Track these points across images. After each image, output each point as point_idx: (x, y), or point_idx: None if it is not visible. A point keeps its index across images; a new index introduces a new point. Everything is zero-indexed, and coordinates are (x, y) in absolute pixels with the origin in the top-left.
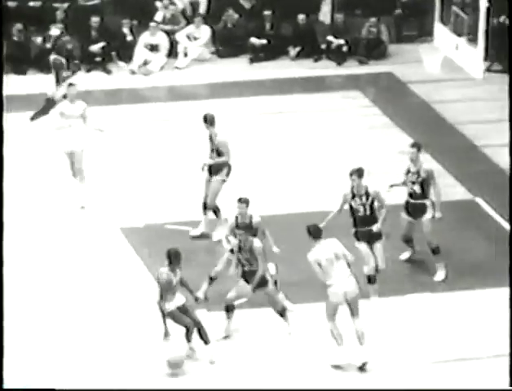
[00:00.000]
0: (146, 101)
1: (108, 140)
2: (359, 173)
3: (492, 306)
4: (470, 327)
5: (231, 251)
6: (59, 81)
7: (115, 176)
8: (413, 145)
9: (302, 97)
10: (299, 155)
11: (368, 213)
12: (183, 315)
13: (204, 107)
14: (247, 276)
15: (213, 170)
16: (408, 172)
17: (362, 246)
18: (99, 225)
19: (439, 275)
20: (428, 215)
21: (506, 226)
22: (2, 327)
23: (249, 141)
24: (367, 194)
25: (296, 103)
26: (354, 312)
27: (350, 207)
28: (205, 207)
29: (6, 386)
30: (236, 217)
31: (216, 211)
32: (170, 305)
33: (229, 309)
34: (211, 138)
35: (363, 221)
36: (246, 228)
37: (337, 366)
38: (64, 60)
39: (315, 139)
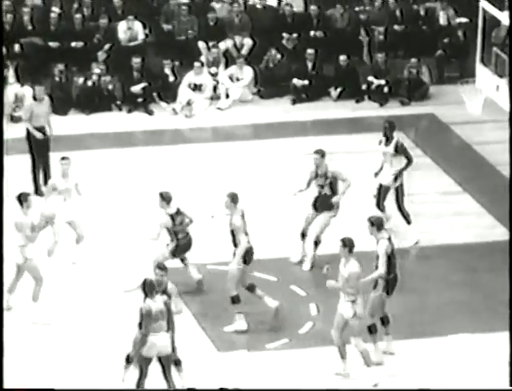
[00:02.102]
0: (188, 142)
1: (150, 181)
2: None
3: None
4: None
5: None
6: None
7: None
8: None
9: (344, 138)
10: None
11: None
12: None
13: (246, 148)
14: None
15: (323, 205)
16: (316, 175)
17: None
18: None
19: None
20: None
21: None
22: (1, 327)
23: (292, 182)
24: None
25: (338, 144)
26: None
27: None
28: (303, 236)
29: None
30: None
31: (317, 244)
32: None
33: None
34: (317, 174)
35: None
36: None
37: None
38: None
39: (357, 180)
